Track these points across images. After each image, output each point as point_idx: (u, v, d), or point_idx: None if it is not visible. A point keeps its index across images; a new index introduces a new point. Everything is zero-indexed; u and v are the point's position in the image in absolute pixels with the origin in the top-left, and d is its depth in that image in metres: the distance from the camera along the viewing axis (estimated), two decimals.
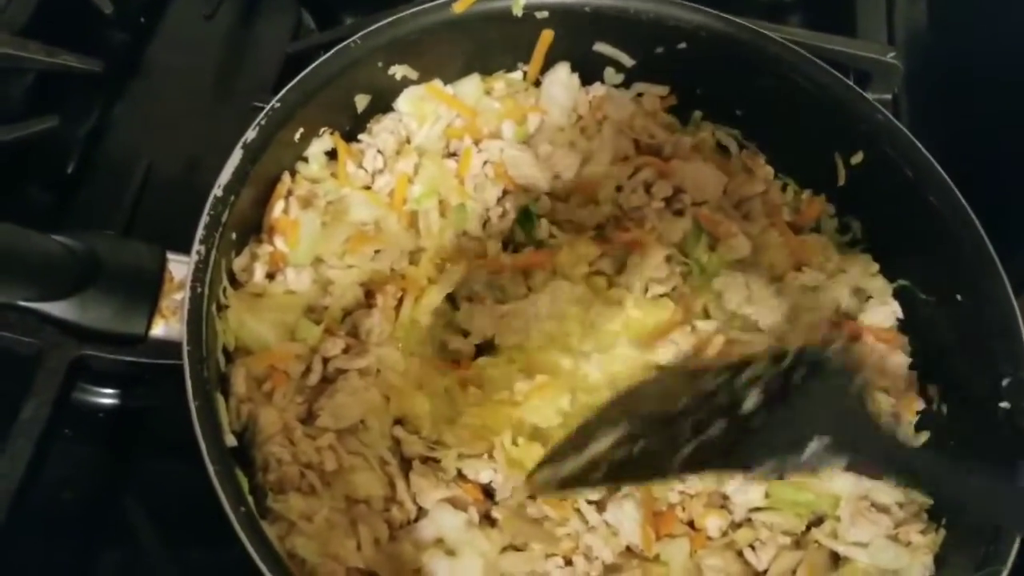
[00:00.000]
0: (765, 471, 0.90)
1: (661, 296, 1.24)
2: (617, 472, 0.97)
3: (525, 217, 1.28)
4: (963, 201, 1.14)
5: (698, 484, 1.10)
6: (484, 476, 1.10)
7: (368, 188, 1.26)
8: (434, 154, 1.30)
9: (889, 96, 1.53)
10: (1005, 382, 1.06)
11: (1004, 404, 1.06)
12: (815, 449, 0.88)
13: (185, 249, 1.04)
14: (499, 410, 1.13)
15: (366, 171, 1.27)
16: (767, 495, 1.11)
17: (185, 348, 0.95)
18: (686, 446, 0.94)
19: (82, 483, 1.24)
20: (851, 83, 1.25)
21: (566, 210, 1.31)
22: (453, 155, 1.31)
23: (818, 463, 0.89)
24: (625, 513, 1.07)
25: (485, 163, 1.30)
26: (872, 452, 0.90)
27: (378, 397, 1.12)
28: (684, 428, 0.95)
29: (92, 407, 1.26)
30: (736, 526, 1.11)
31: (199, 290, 0.99)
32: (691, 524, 1.11)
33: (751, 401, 0.94)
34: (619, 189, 1.31)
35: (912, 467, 0.91)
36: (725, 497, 1.11)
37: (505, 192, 1.29)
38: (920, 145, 1.18)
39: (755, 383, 0.95)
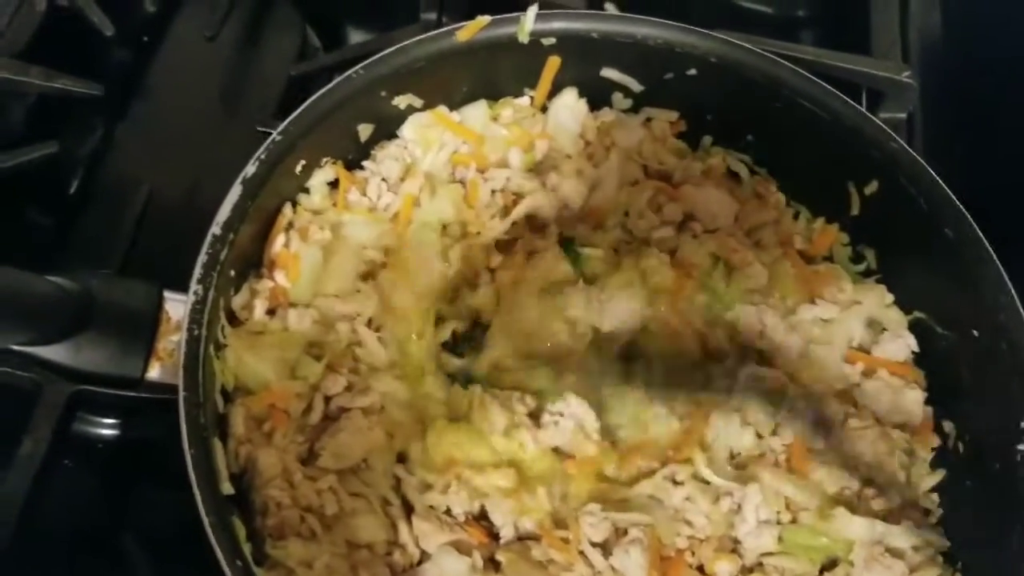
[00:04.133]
0: None
1: None
2: None
3: (566, 250, 1.27)
4: (980, 234, 1.11)
5: (708, 528, 1.08)
6: (462, 506, 1.08)
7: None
8: (443, 180, 1.28)
9: (904, 115, 1.49)
10: (1023, 424, 1.04)
11: (1022, 447, 1.03)
12: None
13: (184, 282, 1.02)
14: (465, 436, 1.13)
15: (370, 199, 1.25)
16: (780, 539, 1.08)
17: (181, 394, 0.93)
18: None
19: (82, 514, 1.22)
20: (865, 110, 1.22)
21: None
22: (459, 183, 1.29)
23: None
24: (632, 558, 1.04)
25: (493, 192, 1.27)
26: None
27: (382, 436, 1.10)
28: None
29: (92, 438, 1.24)
30: (747, 571, 1.08)
31: (196, 332, 0.97)
32: (701, 569, 1.08)
33: None
34: (626, 214, 1.29)
35: None
36: (736, 541, 1.09)
37: (513, 223, 1.27)
38: (936, 175, 1.15)
39: None
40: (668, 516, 1.08)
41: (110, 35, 1.46)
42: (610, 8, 1.52)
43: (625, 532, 1.06)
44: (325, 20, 1.64)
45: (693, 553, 1.08)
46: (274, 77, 1.52)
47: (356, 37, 1.66)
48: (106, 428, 1.24)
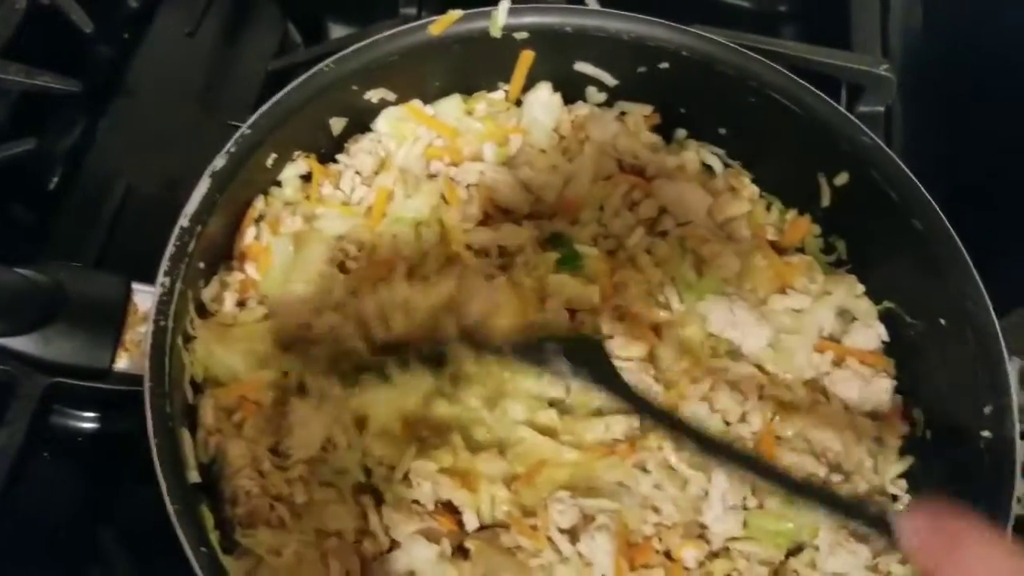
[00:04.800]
0: None
1: None
2: None
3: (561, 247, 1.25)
4: (948, 225, 1.12)
5: (675, 515, 1.09)
6: (426, 497, 1.08)
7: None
8: (420, 177, 1.28)
9: (882, 108, 1.50)
10: (987, 410, 1.05)
11: (985, 433, 1.04)
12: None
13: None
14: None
15: (343, 193, 1.25)
16: (745, 524, 1.09)
17: (147, 384, 0.94)
18: None
19: (60, 508, 1.23)
20: (836, 104, 1.22)
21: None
22: (433, 176, 1.29)
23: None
24: (598, 544, 1.04)
25: (468, 186, 1.28)
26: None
27: (332, 413, 1.10)
28: None
29: (71, 431, 1.24)
30: (713, 556, 1.09)
31: (162, 323, 0.98)
32: (667, 555, 1.08)
33: None
34: (601, 208, 1.30)
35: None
36: (703, 527, 1.09)
37: (486, 215, 1.27)
38: (905, 168, 1.16)
39: None
40: (636, 503, 1.09)
41: (90, 32, 1.47)
42: (590, 2, 1.53)
43: (593, 518, 1.07)
44: (305, 16, 1.65)
45: (660, 539, 1.08)
46: (254, 73, 1.54)
47: (337, 32, 1.67)
48: (84, 422, 1.25)
